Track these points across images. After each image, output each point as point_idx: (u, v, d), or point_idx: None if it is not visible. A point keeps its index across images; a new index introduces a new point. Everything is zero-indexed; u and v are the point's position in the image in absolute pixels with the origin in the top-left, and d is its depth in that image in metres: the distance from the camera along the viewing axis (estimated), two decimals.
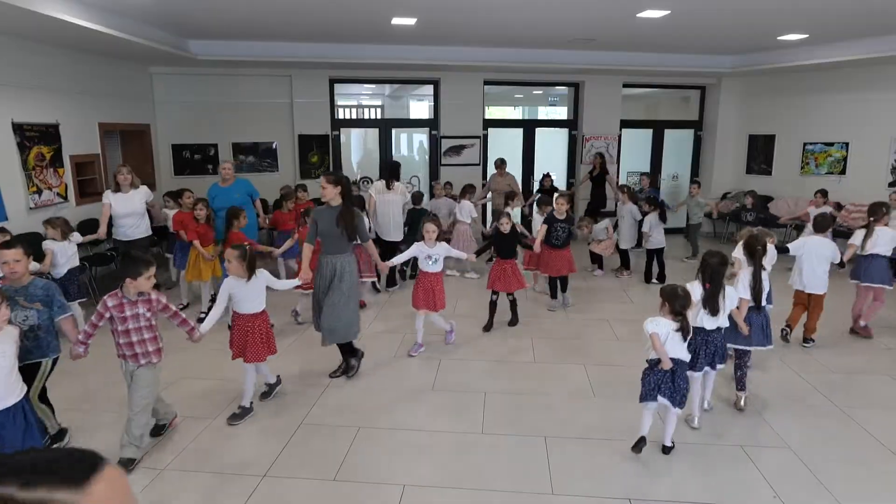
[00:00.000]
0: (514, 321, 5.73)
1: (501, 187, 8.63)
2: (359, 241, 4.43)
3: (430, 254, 4.92)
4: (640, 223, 7.44)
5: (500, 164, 8.90)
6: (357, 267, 4.47)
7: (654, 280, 7.33)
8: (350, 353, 4.57)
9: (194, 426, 3.77)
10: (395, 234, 6.93)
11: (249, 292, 3.83)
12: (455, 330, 5.32)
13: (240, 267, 3.75)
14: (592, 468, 3.33)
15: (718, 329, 3.65)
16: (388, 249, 6.48)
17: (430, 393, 4.31)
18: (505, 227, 5.54)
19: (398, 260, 5.21)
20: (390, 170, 6.98)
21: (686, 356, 3.35)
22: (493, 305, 5.65)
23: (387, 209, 6.82)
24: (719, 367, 3.73)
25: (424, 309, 4.96)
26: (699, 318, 3.57)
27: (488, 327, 5.59)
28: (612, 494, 3.09)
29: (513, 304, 5.74)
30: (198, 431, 3.71)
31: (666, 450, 3.46)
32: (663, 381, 3.29)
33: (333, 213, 4.21)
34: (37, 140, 6.19)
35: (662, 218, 7.26)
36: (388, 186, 6.81)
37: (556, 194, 7.05)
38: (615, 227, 7.68)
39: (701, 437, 3.66)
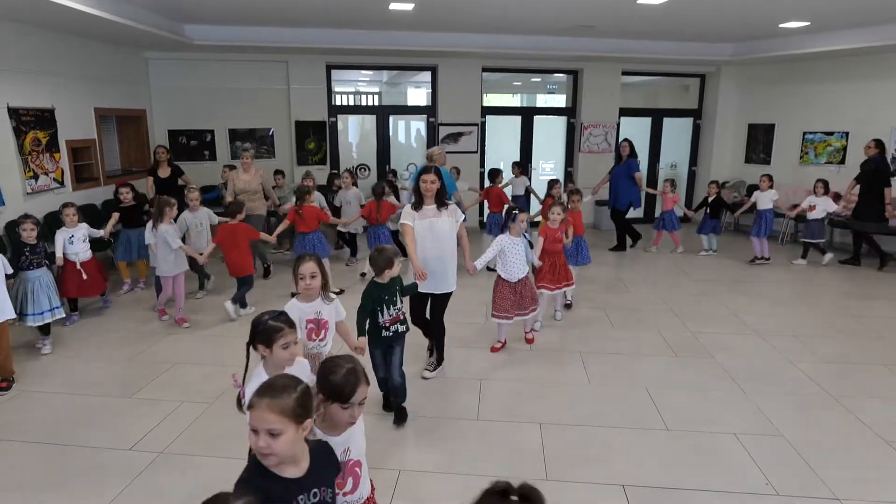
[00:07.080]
0: None
1: (251, 188, 6.82)
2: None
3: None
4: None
5: (248, 156, 7.00)
6: None
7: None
8: None
9: (193, 410, 3.79)
10: None
11: None
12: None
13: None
14: (587, 455, 3.36)
15: None
16: None
17: (426, 380, 4.33)
18: None
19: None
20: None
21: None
22: None
23: None
24: None
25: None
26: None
27: None
28: (606, 481, 3.11)
29: None
30: (196, 415, 3.74)
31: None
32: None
33: None
34: (33, 125, 6.15)
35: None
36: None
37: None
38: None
39: (696, 423, 3.69)
